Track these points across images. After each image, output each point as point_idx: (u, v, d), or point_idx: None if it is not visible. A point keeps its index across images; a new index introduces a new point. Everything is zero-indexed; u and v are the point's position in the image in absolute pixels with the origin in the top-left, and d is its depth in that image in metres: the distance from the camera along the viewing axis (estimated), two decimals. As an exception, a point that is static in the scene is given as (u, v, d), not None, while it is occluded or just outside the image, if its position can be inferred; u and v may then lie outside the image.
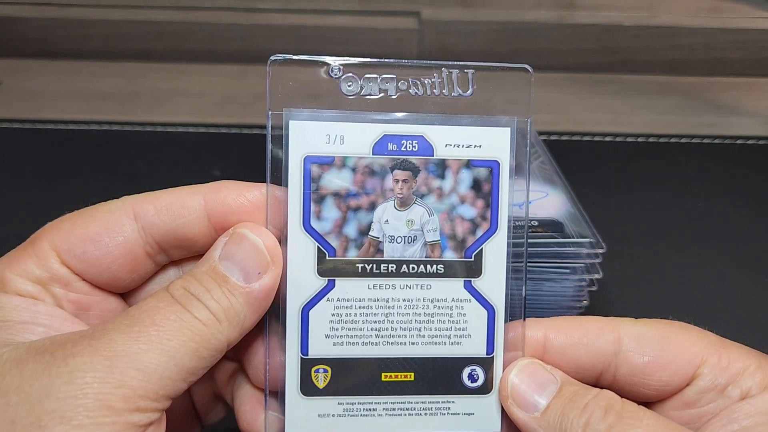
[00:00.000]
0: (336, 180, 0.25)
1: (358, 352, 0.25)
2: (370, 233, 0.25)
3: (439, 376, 0.25)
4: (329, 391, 0.25)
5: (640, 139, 0.57)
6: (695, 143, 0.56)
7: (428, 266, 0.25)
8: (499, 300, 0.25)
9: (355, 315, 0.25)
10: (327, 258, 0.25)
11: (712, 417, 0.24)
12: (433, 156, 0.25)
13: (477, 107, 0.25)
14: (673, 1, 0.63)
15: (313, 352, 0.25)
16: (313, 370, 0.25)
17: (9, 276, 0.23)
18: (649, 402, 0.25)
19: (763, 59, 0.63)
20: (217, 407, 0.29)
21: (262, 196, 0.24)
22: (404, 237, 0.25)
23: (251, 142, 0.55)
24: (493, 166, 0.25)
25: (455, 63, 0.25)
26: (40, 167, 0.52)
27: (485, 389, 0.25)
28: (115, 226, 0.24)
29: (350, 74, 0.25)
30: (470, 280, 0.25)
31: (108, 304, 0.25)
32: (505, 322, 0.25)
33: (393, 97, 0.25)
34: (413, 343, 0.25)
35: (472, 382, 0.25)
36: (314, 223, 0.25)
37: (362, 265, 0.25)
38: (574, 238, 0.36)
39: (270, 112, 0.24)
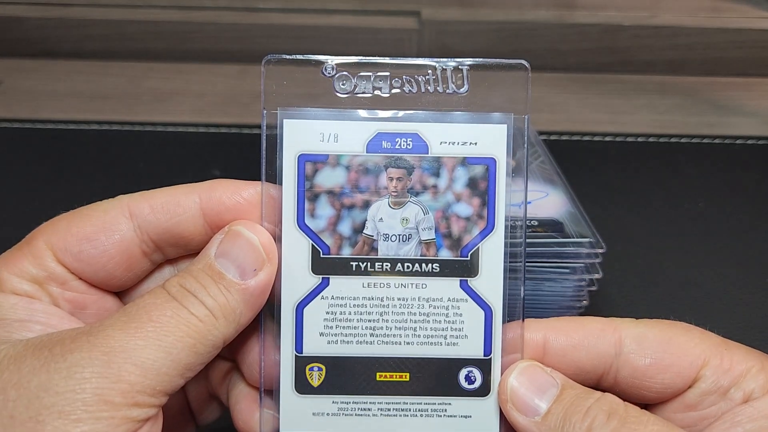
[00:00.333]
0: (330, 178, 0.25)
1: (352, 350, 0.25)
2: (364, 231, 0.25)
3: (434, 377, 0.25)
4: (324, 389, 0.25)
5: (640, 139, 0.56)
6: (695, 143, 0.56)
7: (423, 265, 0.25)
8: (496, 300, 0.25)
9: (350, 313, 0.25)
10: (321, 256, 0.25)
11: (715, 420, 0.23)
12: (427, 153, 0.25)
13: (472, 104, 0.25)
14: (673, 1, 0.63)
15: (308, 350, 0.25)
16: (308, 368, 0.25)
17: (5, 275, 0.23)
18: (649, 404, 0.25)
19: (763, 59, 0.62)
20: (212, 407, 0.29)
21: (257, 194, 0.24)
22: (399, 235, 0.25)
23: (251, 142, 0.55)
24: (489, 164, 0.25)
25: (449, 60, 0.25)
26: (40, 167, 0.52)
27: (483, 391, 0.25)
28: (111, 225, 0.24)
29: (344, 73, 0.25)
30: (466, 280, 0.25)
31: (104, 302, 0.25)
32: (504, 322, 0.25)
33: (387, 95, 0.25)
34: (408, 343, 0.25)
35: (469, 384, 0.25)
36: (308, 221, 0.25)
37: (356, 263, 0.25)
38: (574, 238, 0.36)
39: (265, 111, 0.25)
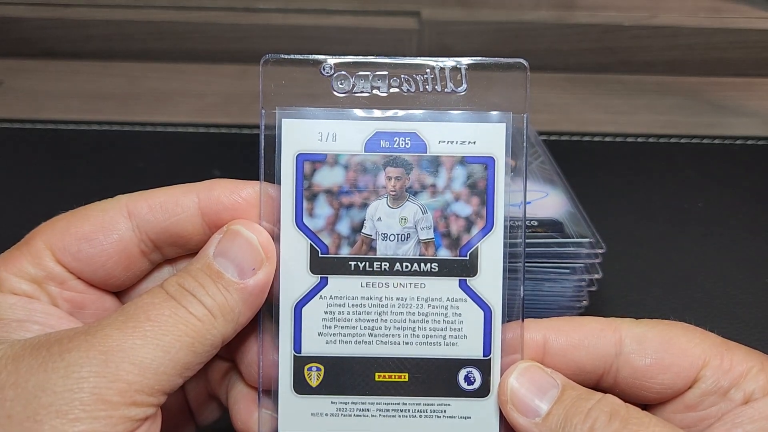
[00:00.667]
0: (328, 177, 0.25)
1: (351, 350, 0.25)
2: (362, 231, 0.25)
3: (434, 378, 0.25)
4: (322, 389, 0.25)
5: (640, 139, 0.56)
6: (695, 143, 0.56)
7: (422, 264, 0.25)
8: (495, 300, 0.25)
9: (348, 313, 0.25)
10: (320, 255, 0.25)
11: (715, 421, 0.23)
12: (426, 153, 0.25)
13: (471, 103, 0.25)
14: (673, 1, 0.63)
15: (306, 350, 0.25)
16: (306, 368, 0.25)
17: (4, 275, 0.23)
18: (649, 405, 0.25)
19: (763, 59, 0.62)
20: (212, 407, 0.29)
21: (255, 193, 0.25)
22: (397, 235, 0.25)
23: (251, 142, 0.55)
24: (488, 163, 0.25)
25: (447, 59, 0.25)
26: (40, 167, 0.52)
27: (483, 392, 0.25)
28: (110, 224, 0.24)
29: (342, 72, 0.25)
30: (465, 279, 0.25)
31: (103, 302, 0.25)
32: (503, 322, 0.25)
33: (385, 94, 0.25)
34: (407, 343, 0.25)
35: (468, 384, 0.25)
36: (307, 221, 0.25)
37: (355, 262, 0.25)
38: (574, 238, 0.36)
39: (263, 111, 0.25)
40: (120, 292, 0.26)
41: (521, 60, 0.25)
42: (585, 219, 0.38)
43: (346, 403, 0.25)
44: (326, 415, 0.25)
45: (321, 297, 0.25)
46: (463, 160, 0.25)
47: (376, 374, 0.25)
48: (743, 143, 0.56)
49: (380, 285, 0.25)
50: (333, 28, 0.63)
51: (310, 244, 0.25)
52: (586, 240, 0.36)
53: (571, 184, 0.41)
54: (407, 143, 0.25)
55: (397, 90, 0.25)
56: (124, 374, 0.20)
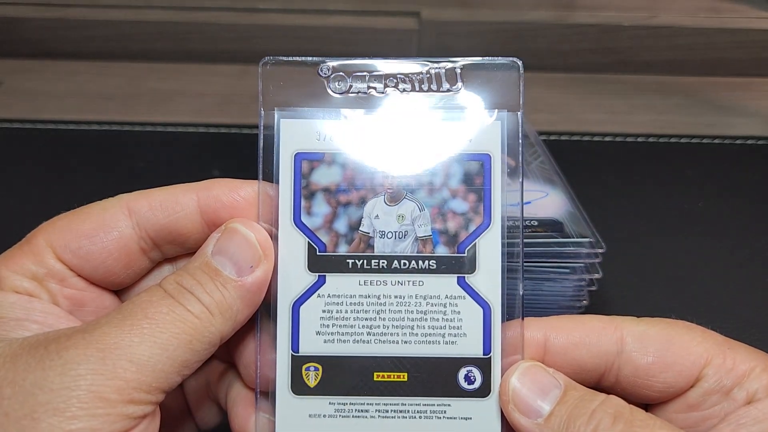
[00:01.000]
0: (326, 176, 0.25)
1: (349, 350, 0.25)
2: (360, 228, 0.25)
3: (433, 377, 0.25)
4: (320, 390, 0.24)
5: (640, 139, 0.56)
6: (695, 143, 0.56)
7: (420, 262, 0.25)
8: (494, 297, 0.25)
9: (346, 312, 0.25)
10: (317, 253, 0.25)
11: (719, 422, 0.23)
12: (423, 150, 0.25)
13: (466, 102, 0.25)
14: (673, 1, 0.63)
15: (304, 349, 0.25)
16: (304, 367, 0.25)
17: (5, 273, 0.23)
18: (651, 404, 0.25)
19: (763, 59, 0.62)
20: (212, 409, 0.29)
21: (254, 192, 0.25)
22: (395, 232, 0.25)
23: (251, 142, 0.55)
24: (484, 160, 0.25)
25: (443, 59, 0.25)
26: (40, 167, 0.52)
27: (483, 392, 0.24)
28: (110, 222, 0.24)
29: (339, 73, 0.25)
30: (464, 276, 0.25)
31: (103, 301, 0.25)
32: (503, 321, 0.25)
33: (382, 94, 0.25)
34: (406, 342, 0.25)
35: (468, 384, 0.25)
36: (305, 219, 0.25)
37: (353, 260, 0.25)
38: (574, 237, 0.36)
39: (262, 111, 0.25)
40: (120, 291, 0.26)
41: (515, 59, 0.25)
42: (585, 219, 0.38)
43: (344, 404, 0.25)
44: (324, 416, 0.24)
45: (319, 295, 0.25)
46: (460, 158, 0.25)
47: (375, 374, 0.25)
48: (743, 143, 0.56)
49: (378, 283, 0.25)
50: (333, 28, 0.63)
51: (308, 242, 0.25)
52: (586, 240, 0.36)
53: (571, 184, 0.41)
54: (404, 141, 0.25)
55: (393, 89, 0.25)
56: (121, 372, 0.20)
